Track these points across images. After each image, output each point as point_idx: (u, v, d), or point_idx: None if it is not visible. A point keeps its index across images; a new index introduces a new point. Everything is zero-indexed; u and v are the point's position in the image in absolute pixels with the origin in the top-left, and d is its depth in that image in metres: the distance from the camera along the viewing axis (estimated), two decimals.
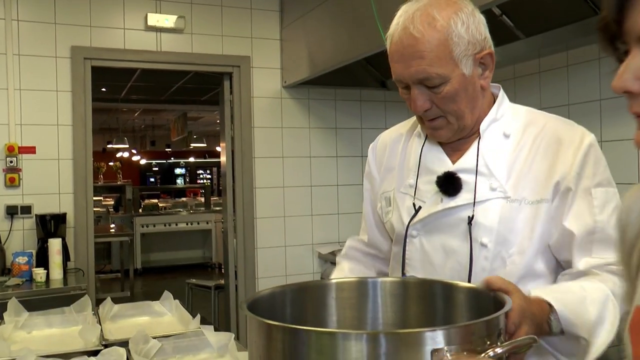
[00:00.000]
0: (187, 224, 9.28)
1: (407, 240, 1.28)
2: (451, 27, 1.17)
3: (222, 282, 4.79)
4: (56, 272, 3.44)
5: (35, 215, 3.63)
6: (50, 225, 3.59)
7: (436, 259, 1.25)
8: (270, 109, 4.23)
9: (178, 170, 18.47)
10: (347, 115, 4.43)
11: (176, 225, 9.20)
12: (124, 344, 1.64)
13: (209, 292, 5.00)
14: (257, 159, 4.20)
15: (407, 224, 1.28)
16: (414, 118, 1.36)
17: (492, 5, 2.58)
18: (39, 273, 3.36)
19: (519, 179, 1.21)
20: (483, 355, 0.70)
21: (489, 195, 1.21)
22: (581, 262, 1.15)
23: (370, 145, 1.52)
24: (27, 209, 3.67)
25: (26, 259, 3.43)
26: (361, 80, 4.21)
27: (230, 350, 1.66)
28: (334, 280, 1.05)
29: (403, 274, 1.27)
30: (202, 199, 11.27)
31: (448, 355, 0.71)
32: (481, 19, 1.23)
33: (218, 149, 4.51)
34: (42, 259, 3.49)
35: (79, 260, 3.75)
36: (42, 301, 2.88)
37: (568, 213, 1.17)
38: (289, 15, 4.09)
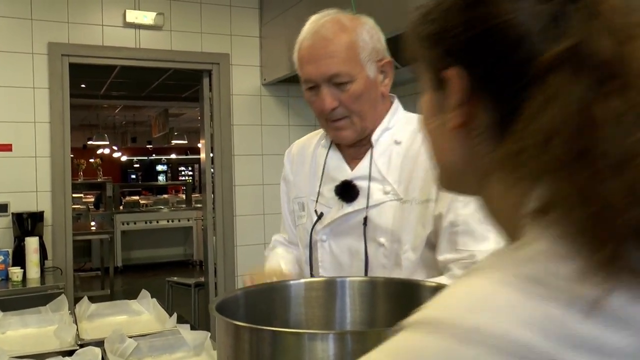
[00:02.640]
0: (168, 221, 9.23)
1: (319, 244, 1.41)
2: (358, 33, 1.31)
3: (203, 279, 4.78)
4: (33, 271, 3.41)
5: (12, 213, 3.59)
6: (27, 223, 3.56)
7: (343, 260, 1.38)
8: (250, 107, 4.23)
9: (160, 167, 18.33)
10: None
11: (157, 222, 9.14)
12: (99, 343, 1.64)
13: (189, 289, 4.98)
14: (237, 156, 4.20)
15: (310, 229, 1.42)
16: (321, 130, 1.49)
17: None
18: (16, 272, 3.33)
19: (409, 182, 1.32)
20: None
21: (382, 199, 1.33)
22: (442, 255, 1.25)
23: (286, 151, 1.65)
24: (3, 207, 3.63)
25: (2, 257, 3.39)
26: None
27: (206, 349, 1.67)
28: (302, 280, 1.07)
29: (312, 275, 1.42)
30: (184, 196, 11.21)
31: None
32: (381, 34, 1.38)
33: (200, 145, 4.50)
34: (19, 258, 3.46)
35: (57, 259, 3.72)
36: (18, 300, 2.86)
37: (437, 209, 1.27)
38: (268, 12, 4.08)
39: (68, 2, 3.77)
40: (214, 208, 4.25)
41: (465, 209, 1.22)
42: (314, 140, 1.55)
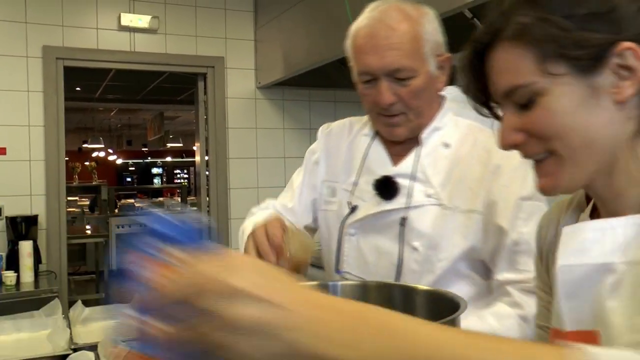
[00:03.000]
0: None
1: (345, 238, 1.33)
2: (422, 24, 1.23)
3: None
4: (27, 275, 3.40)
5: (6, 217, 3.58)
6: (21, 227, 3.55)
7: (370, 258, 1.30)
8: (245, 110, 4.23)
9: (155, 170, 18.31)
10: (321, 116, 4.44)
11: None
12: (93, 347, 1.63)
13: None
14: (232, 159, 4.20)
15: (342, 221, 1.34)
16: (364, 117, 1.41)
17: (464, 8, 2.62)
18: (9, 276, 3.31)
19: (454, 188, 1.25)
20: None
21: (423, 201, 1.25)
22: (501, 274, 1.20)
23: (323, 128, 1.54)
24: None
25: None
26: (335, 81, 4.22)
27: None
28: None
29: (337, 270, 1.34)
30: (179, 199, 11.20)
31: None
32: (440, 26, 1.29)
33: (195, 148, 4.49)
34: (13, 262, 3.45)
35: (51, 263, 3.71)
36: (12, 305, 2.85)
37: (495, 224, 1.20)
38: (263, 16, 4.09)
39: (63, 6, 3.77)
40: (208, 211, 4.25)
41: (527, 227, 1.17)
42: (355, 126, 1.46)
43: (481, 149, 1.26)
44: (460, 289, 1.21)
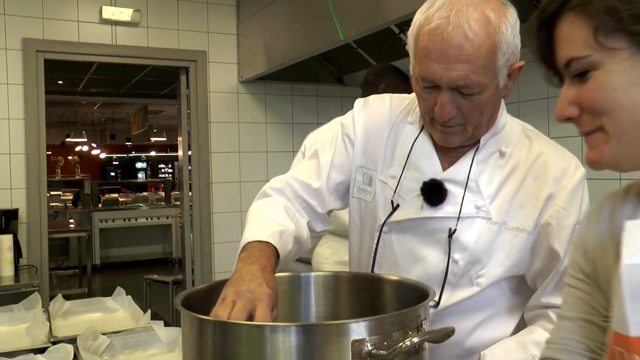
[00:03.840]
0: (147, 219, 9.17)
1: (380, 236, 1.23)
2: (502, 33, 1.07)
3: (181, 277, 4.77)
4: (7, 269, 3.37)
5: None
6: (1, 221, 3.52)
7: (403, 261, 1.21)
8: (227, 104, 4.23)
9: (139, 165, 18.19)
10: (303, 111, 4.46)
11: (136, 220, 9.08)
12: (72, 340, 1.63)
13: (167, 287, 4.96)
14: (214, 153, 4.20)
15: (383, 221, 1.23)
16: (411, 100, 1.26)
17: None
18: None
19: (503, 203, 1.17)
20: (400, 344, 0.74)
21: (473, 213, 1.17)
22: (546, 298, 1.16)
23: (359, 102, 1.37)
24: None
25: None
26: (317, 76, 4.24)
27: (179, 345, 1.67)
28: None
29: (372, 271, 1.23)
30: (163, 194, 11.15)
31: (368, 345, 0.75)
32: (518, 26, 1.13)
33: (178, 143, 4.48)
34: None
35: (32, 257, 3.69)
36: None
37: (548, 246, 1.15)
38: (246, 10, 4.08)
39: None
40: (191, 206, 4.25)
41: None
42: (398, 107, 1.32)
43: (538, 163, 1.18)
44: (492, 304, 1.20)
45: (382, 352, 0.74)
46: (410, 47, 1.15)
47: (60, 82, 7.65)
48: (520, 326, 1.23)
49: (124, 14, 3.90)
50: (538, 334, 1.16)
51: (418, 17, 1.12)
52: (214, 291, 0.98)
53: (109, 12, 3.87)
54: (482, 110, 1.12)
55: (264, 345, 0.78)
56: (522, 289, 1.23)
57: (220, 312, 0.89)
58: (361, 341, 0.75)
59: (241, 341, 0.80)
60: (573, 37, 0.68)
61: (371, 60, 3.64)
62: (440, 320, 1.16)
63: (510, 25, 1.08)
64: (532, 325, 1.20)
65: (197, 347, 0.84)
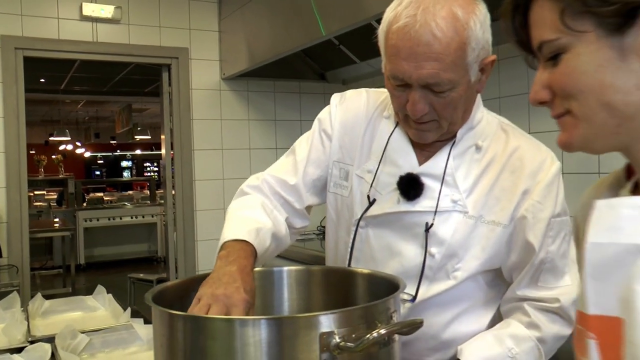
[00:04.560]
0: (131, 218, 9.12)
1: (353, 228, 1.24)
2: (471, 30, 1.07)
3: (165, 275, 4.75)
4: None
5: None
6: None
7: (380, 255, 1.22)
8: (209, 101, 4.21)
9: (124, 163, 18.09)
10: (286, 108, 4.45)
11: (120, 219, 9.03)
12: (51, 340, 1.62)
13: (151, 286, 4.94)
14: (197, 151, 4.18)
15: (359, 215, 1.23)
16: (388, 95, 1.24)
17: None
18: None
19: (479, 197, 1.18)
20: (367, 336, 0.75)
21: (449, 207, 1.17)
22: (521, 290, 1.17)
23: (336, 97, 1.37)
24: None
25: None
26: (300, 73, 4.24)
27: None
28: None
29: (349, 265, 1.23)
30: (148, 192, 11.10)
31: (336, 337, 0.75)
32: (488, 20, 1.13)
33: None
34: None
35: (13, 257, 3.65)
36: None
37: (524, 240, 1.16)
38: (227, 6, 4.07)
39: None
40: (174, 203, 4.23)
41: (553, 245, 1.14)
42: (374, 102, 1.32)
43: (515, 157, 1.19)
44: (468, 297, 1.21)
45: (349, 344, 0.74)
46: (380, 45, 1.15)
47: (42, 80, 7.58)
48: (496, 319, 1.25)
49: (105, 10, 3.87)
50: (514, 327, 1.18)
51: (387, 15, 1.12)
52: (186, 287, 0.98)
53: (90, 9, 3.84)
54: (455, 106, 1.13)
55: (234, 339, 0.78)
56: (498, 282, 1.24)
57: (195, 313, 0.90)
58: (329, 333, 0.75)
59: (211, 335, 0.80)
60: (543, 20, 0.68)
61: (353, 57, 3.64)
62: (417, 314, 1.16)
63: (479, 21, 1.08)
64: (508, 319, 1.22)
65: (167, 342, 0.83)
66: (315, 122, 1.36)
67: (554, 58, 0.68)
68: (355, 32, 2.85)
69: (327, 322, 0.76)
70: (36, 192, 10.34)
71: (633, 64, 0.63)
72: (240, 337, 0.78)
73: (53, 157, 12.68)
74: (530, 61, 0.75)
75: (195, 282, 0.97)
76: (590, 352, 0.66)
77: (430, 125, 1.15)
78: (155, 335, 0.88)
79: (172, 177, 4.27)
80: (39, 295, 2.11)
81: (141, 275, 5.41)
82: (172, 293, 0.97)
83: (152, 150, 16.94)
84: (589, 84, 0.65)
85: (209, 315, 0.81)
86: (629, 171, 0.74)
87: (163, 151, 4.35)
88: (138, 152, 17.69)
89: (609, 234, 0.64)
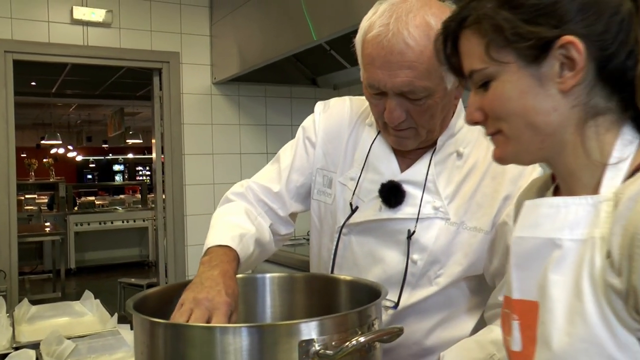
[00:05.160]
0: (123, 222, 9.08)
1: (335, 235, 1.24)
2: None
3: (155, 280, 4.74)
4: None
5: None
6: None
7: (362, 262, 1.22)
8: (200, 106, 4.20)
9: (116, 167, 18.02)
10: (277, 112, 4.45)
11: (112, 223, 8.99)
12: (36, 346, 1.61)
13: (141, 290, 4.93)
14: (187, 155, 4.17)
15: (342, 223, 1.23)
16: (364, 100, 1.26)
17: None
18: None
19: (461, 203, 1.18)
20: (346, 344, 0.75)
21: (431, 214, 1.18)
22: (502, 298, 1.15)
23: (320, 105, 1.39)
24: None
25: None
26: (291, 77, 4.24)
27: None
28: None
29: (332, 272, 1.23)
30: (140, 196, 11.06)
31: (316, 345, 0.75)
32: None
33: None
34: None
35: (1, 261, 3.62)
36: None
37: (506, 246, 1.12)
38: (219, 11, 4.07)
39: None
40: (164, 208, 4.22)
41: None
42: (357, 109, 1.33)
43: (496, 163, 1.21)
44: (452, 304, 1.21)
45: (328, 352, 0.74)
46: (357, 54, 1.16)
47: (33, 83, 7.54)
48: (480, 325, 1.24)
49: (96, 14, 3.86)
50: (497, 333, 1.17)
51: (363, 24, 1.13)
52: (170, 294, 0.98)
53: (80, 13, 3.83)
54: (432, 113, 1.13)
55: (214, 346, 0.78)
56: (481, 289, 1.24)
57: (177, 318, 0.90)
58: (309, 341, 0.75)
59: (191, 343, 0.80)
60: (472, 51, 0.77)
61: (344, 62, 3.65)
62: (400, 320, 1.16)
63: None
64: (490, 325, 1.21)
65: (148, 350, 0.83)
66: (300, 130, 1.37)
67: (484, 85, 0.77)
68: (347, 37, 2.83)
69: (306, 329, 0.76)
70: (27, 196, 10.28)
71: (550, 89, 0.72)
72: (221, 345, 0.78)
73: (44, 160, 12.62)
74: (464, 84, 0.86)
75: (180, 289, 0.97)
76: (513, 332, 0.77)
77: (409, 132, 1.16)
78: (136, 343, 0.88)
79: (163, 182, 4.26)
80: (25, 301, 2.10)
81: (132, 280, 5.39)
82: (155, 300, 0.97)
83: (144, 154, 16.87)
84: (514, 108, 0.74)
85: (189, 323, 0.80)
86: (553, 176, 0.84)
87: (154, 155, 4.34)
88: (130, 155, 17.63)
89: (530, 229, 0.75)
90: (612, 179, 0.71)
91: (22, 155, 12.74)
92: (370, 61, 1.10)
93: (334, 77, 4.11)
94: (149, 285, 4.91)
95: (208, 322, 0.89)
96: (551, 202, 0.75)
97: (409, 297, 1.18)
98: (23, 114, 11.40)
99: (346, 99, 1.38)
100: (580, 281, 0.68)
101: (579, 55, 0.70)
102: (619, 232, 0.65)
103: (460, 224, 1.17)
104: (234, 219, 1.21)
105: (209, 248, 1.10)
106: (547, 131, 0.74)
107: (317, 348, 0.74)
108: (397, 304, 1.16)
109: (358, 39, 1.15)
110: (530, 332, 0.74)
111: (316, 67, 4.08)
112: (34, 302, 2.14)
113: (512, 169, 1.18)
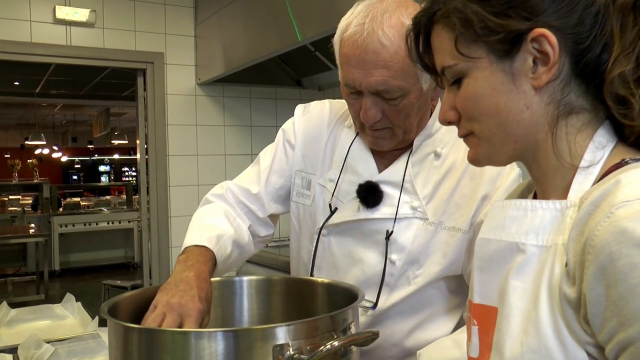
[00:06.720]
0: (108, 223, 9.02)
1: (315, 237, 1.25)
2: None
3: (140, 282, 4.71)
4: None
5: None
6: None
7: (342, 263, 1.23)
8: (185, 107, 4.18)
9: (102, 168, 17.90)
10: (262, 114, 4.44)
11: (97, 224, 8.92)
12: (14, 350, 1.59)
13: (125, 292, 4.90)
14: (172, 156, 4.15)
15: (321, 224, 1.24)
16: (344, 103, 1.27)
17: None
18: None
19: (439, 203, 1.19)
20: (320, 348, 0.74)
21: (409, 214, 1.18)
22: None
23: (299, 108, 1.41)
24: None
25: None
26: (276, 78, 4.24)
27: None
28: None
29: (312, 274, 1.24)
30: (125, 197, 11.00)
31: (290, 350, 0.75)
32: None
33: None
34: None
35: None
36: None
37: None
38: (203, 11, 4.05)
39: None
40: (148, 209, 4.19)
41: None
42: (336, 112, 1.34)
43: None
44: (431, 304, 1.21)
45: (303, 356, 0.74)
46: (335, 53, 1.18)
47: (16, 83, 7.47)
48: (460, 326, 1.25)
49: (79, 14, 3.83)
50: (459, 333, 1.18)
51: (340, 24, 1.15)
52: (143, 298, 0.97)
53: (63, 12, 3.79)
54: (408, 113, 1.14)
55: (189, 351, 0.77)
56: (460, 290, 1.24)
57: (150, 321, 0.90)
58: (283, 346, 0.75)
59: (165, 348, 0.79)
60: (442, 47, 0.73)
61: (328, 63, 3.65)
62: (379, 322, 1.16)
63: None
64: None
65: (121, 355, 0.82)
66: (280, 133, 1.39)
67: (457, 82, 0.73)
68: (331, 38, 2.85)
69: (281, 334, 0.75)
70: (10, 197, 10.18)
71: (524, 86, 0.69)
72: (195, 350, 0.77)
73: (29, 161, 12.49)
74: (438, 82, 0.81)
75: (151, 294, 0.96)
76: (472, 337, 0.74)
77: (385, 132, 1.17)
78: (110, 348, 0.87)
79: (147, 183, 4.24)
80: (4, 304, 2.08)
81: (117, 282, 5.35)
82: (131, 304, 0.96)
83: (130, 155, 16.78)
84: (486, 107, 0.71)
85: (163, 328, 0.80)
86: None
87: (138, 156, 4.31)
88: (116, 156, 17.52)
89: (495, 232, 0.72)
90: (581, 184, 0.68)
91: (5, 155, 12.62)
92: (346, 60, 1.12)
93: (319, 78, 4.11)
94: (134, 287, 4.88)
95: (179, 328, 0.89)
96: (519, 204, 0.71)
97: (387, 298, 1.18)
98: (7, 114, 11.29)
99: (326, 102, 1.39)
100: (539, 289, 0.65)
101: (552, 49, 0.66)
102: (575, 238, 0.62)
103: (438, 223, 1.18)
104: (212, 220, 1.21)
105: (186, 247, 1.10)
106: (519, 131, 0.71)
107: (292, 352, 0.74)
108: (375, 305, 1.16)
109: (336, 39, 1.16)
110: (487, 338, 0.71)
111: (301, 68, 4.08)
112: (16, 305, 2.11)
113: (491, 169, 1.19)
